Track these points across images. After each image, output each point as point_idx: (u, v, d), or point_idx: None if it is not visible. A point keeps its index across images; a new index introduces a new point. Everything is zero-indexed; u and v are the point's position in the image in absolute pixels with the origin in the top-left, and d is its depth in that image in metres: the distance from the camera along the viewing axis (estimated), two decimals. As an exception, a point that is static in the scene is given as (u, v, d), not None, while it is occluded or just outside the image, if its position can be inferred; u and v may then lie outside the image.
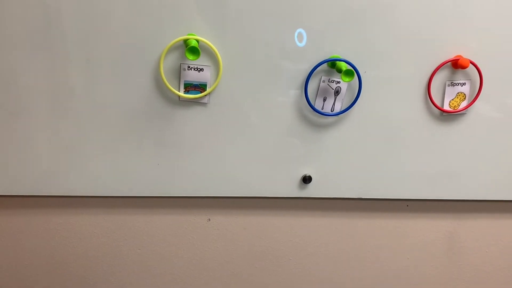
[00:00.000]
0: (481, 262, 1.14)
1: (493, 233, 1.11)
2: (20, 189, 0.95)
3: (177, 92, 0.87)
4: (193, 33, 0.84)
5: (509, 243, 1.13)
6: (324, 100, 0.91)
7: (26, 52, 0.84)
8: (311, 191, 0.99)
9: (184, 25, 0.84)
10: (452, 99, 0.93)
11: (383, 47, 0.88)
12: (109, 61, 0.86)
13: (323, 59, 0.87)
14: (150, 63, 0.86)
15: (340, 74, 0.85)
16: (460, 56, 0.89)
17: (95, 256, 1.07)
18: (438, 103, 0.93)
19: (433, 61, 0.90)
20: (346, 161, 0.97)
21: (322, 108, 0.92)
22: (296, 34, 0.86)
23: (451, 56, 0.90)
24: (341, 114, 0.92)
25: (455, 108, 0.94)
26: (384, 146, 0.96)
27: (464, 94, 0.93)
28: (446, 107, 0.93)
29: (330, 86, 0.90)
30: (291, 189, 0.99)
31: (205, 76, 0.87)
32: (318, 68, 0.87)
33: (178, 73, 0.87)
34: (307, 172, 0.98)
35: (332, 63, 0.88)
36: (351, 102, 0.91)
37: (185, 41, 0.84)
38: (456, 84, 0.92)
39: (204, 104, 0.90)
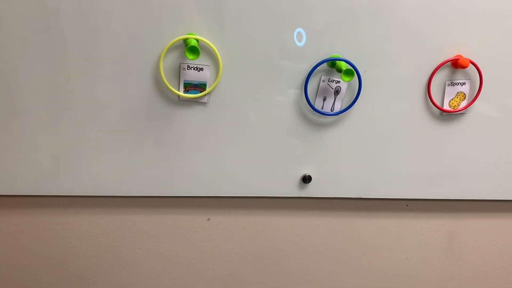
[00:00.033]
0: (481, 262, 1.14)
1: (493, 233, 1.11)
2: (20, 188, 0.95)
3: (176, 91, 0.87)
4: (193, 33, 0.84)
5: (509, 243, 1.13)
6: (324, 99, 0.91)
7: (26, 52, 0.84)
8: (311, 191, 0.99)
9: (183, 25, 0.84)
10: (452, 99, 0.93)
11: (383, 46, 0.88)
12: (109, 61, 0.86)
13: (322, 59, 0.87)
14: (150, 62, 0.86)
15: (340, 73, 0.85)
16: (460, 55, 0.89)
17: (94, 256, 1.07)
18: (438, 103, 0.93)
19: (433, 60, 0.90)
20: (346, 161, 0.97)
21: (322, 108, 0.92)
22: (295, 33, 0.86)
23: (451, 55, 0.90)
24: (341, 114, 0.92)
25: (455, 108, 0.94)
26: (384, 146, 0.96)
27: (464, 94, 0.93)
28: (446, 106, 0.93)
29: (330, 85, 0.90)
30: (291, 189, 0.99)
31: (205, 75, 0.87)
32: (318, 68, 0.87)
33: (177, 72, 0.87)
34: (307, 172, 0.97)
35: (332, 63, 0.88)
36: (351, 102, 0.91)
37: (185, 41, 0.84)
38: (456, 84, 0.92)
39: (204, 103, 0.90)
